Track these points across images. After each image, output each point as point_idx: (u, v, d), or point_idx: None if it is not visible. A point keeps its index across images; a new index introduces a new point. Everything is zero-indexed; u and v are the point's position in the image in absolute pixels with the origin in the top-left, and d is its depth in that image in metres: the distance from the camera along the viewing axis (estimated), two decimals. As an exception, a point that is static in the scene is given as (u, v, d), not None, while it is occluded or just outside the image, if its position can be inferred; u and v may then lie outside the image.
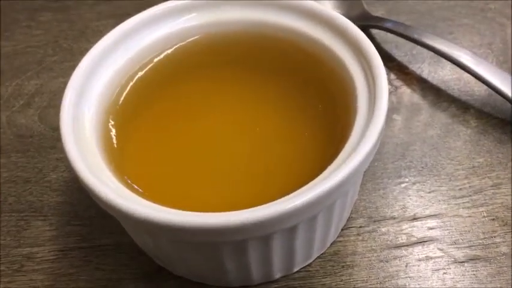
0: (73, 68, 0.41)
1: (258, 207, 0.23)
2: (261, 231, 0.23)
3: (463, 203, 0.32)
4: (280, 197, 0.23)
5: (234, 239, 0.24)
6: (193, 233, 0.22)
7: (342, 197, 0.26)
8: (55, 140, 0.37)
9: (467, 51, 0.36)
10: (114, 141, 0.27)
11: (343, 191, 0.24)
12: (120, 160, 0.27)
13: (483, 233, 0.30)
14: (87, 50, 0.43)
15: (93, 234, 0.32)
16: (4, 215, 0.33)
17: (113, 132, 0.28)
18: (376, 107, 0.25)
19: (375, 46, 0.28)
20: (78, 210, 0.33)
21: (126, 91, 0.30)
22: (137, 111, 0.29)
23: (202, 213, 0.22)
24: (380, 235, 0.31)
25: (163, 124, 0.29)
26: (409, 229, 0.31)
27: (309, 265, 0.30)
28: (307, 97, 0.30)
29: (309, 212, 0.23)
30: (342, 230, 0.31)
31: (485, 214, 0.31)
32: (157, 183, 0.26)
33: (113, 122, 0.28)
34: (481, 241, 0.30)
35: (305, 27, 0.31)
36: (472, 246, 0.30)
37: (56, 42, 0.44)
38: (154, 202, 0.24)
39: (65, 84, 0.40)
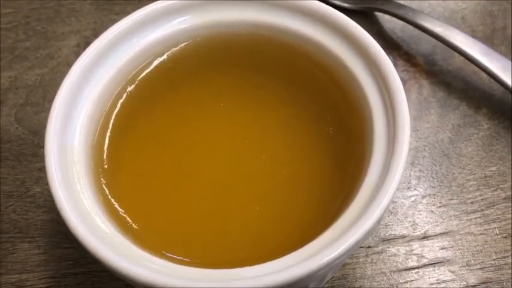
0: (49, 56, 0.38)
1: (275, 267, 0.21)
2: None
3: (475, 218, 0.30)
4: (289, 249, 0.22)
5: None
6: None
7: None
8: (36, 147, 0.34)
9: (477, 41, 0.34)
10: (105, 187, 0.25)
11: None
12: (114, 205, 0.24)
13: (495, 252, 0.29)
14: (63, 33, 0.39)
15: (86, 258, 0.30)
16: (-13, 236, 0.31)
17: (104, 174, 0.25)
18: (396, 148, 0.23)
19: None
20: (68, 230, 0.31)
21: (114, 113, 0.27)
22: (127, 139, 0.27)
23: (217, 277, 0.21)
24: (390, 256, 0.30)
25: (158, 155, 0.27)
26: (420, 249, 0.30)
27: (317, 291, 0.29)
28: (317, 117, 0.27)
29: (326, 270, 0.22)
30: (350, 251, 0.30)
31: (497, 231, 0.30)
32: (160, 232, 0.24)
33: (105, 166, 0.26)
34: (493, 262, 0.29)
35: (319, 36, 0.27)
36: (485, 267, 0.29)
37: (28, 25, 0.39)
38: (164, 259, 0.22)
39: (42, 77, 0.37)
